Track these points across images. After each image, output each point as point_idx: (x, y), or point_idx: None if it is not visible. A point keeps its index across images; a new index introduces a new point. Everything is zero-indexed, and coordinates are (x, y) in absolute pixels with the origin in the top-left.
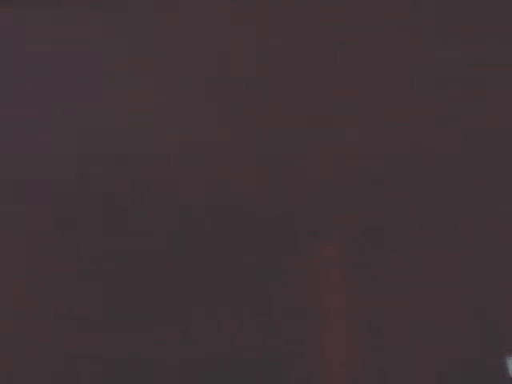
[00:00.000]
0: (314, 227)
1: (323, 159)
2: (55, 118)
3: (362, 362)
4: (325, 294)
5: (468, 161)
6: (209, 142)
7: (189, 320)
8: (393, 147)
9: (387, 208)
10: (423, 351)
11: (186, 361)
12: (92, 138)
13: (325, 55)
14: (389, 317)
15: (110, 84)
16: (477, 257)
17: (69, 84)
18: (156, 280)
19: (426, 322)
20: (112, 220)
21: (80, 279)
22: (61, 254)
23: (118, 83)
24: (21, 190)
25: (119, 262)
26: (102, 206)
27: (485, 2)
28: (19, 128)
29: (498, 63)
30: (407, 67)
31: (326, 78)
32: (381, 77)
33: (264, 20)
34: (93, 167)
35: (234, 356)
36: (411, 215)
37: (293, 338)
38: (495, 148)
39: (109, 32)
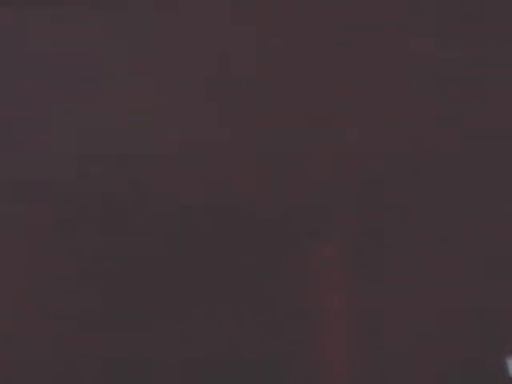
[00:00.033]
0: (313, 227)
1: (323, 159)
2: (55, 118)
3: (362, 362)
4: (325, 294)
5: (468, 161)
6: (209, 142)
7: (189, 320)
8: (393, 147)
9: (387, 208)
10: (423, 351)
11: (186, 361)
12: (92, 138)
13: (325, 55)
14: (389, 317)
15: (109, 84)
16: (477, 257)
17: (69, 84)
18: (156, 280)
19: (426, 321)
20: (112, 220)
21: (80, 279)
22: (61, 254)
23: (118, 83)
24: (21, 190)
25: (119, 262)
26: (101, 206)
27: (485, 2)
28: (19, 128)
29: (497, 63)
30: (407, 67)
31: (326, 78)
32: (381, 77)
33: (264, 20)
34: (93, 167)
35: (234, 356)
36: (411, 215)
37: (293, 338)
38: (495, 148)
39: (109, 32)
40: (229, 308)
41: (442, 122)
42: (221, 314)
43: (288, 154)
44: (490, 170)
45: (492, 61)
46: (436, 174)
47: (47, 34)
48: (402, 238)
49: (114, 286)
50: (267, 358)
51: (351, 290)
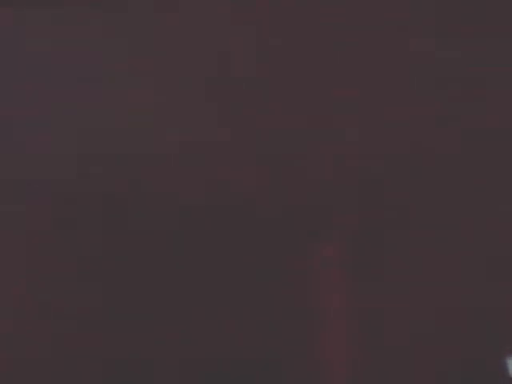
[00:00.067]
0: (313, 227)
1: (323, 159)
2: (55, 118)
3: (362, 362)
4: (325, 294)
5: (468, 161)
6: (209, 142)
7: (189, 320)
8: (393, 147)
9: (387, 208)
10: (423, 351)
11: (186, 361)
12: (92, 138)
13: (325, 55)
14: (389, 317)
15: (109, 84)
16: (477, 257)
17: (69, 84)
18: (156, 280)
19: (426, 321)
20: (112, 220)
21: (80, 279)
22: (61, 254)
23: (118, 83)
24: (21, 190)
25: (119, 262)
26: (101, 206)
27: (485, 2)
28: (19, 128)
29: (498, 63)
30: (407, 67)
31: (326, 78)
32: (381, 77)
33: (264, 20)
34: (93, 167)
35: (234, 356)
36: (411, 215)
37: (293, 338)
38: (495, 148)
39: (109, 32)
40: (229, 308)
41: (441, 121)
42: (221, 314)
43: (288, 154)
44: (490, 170)
45: (492, 61)
46: (436, 173)
47: (47, 34)
48: (402, 238)
49: (113, 286)
50: (267, 358)
51: (351, 290)
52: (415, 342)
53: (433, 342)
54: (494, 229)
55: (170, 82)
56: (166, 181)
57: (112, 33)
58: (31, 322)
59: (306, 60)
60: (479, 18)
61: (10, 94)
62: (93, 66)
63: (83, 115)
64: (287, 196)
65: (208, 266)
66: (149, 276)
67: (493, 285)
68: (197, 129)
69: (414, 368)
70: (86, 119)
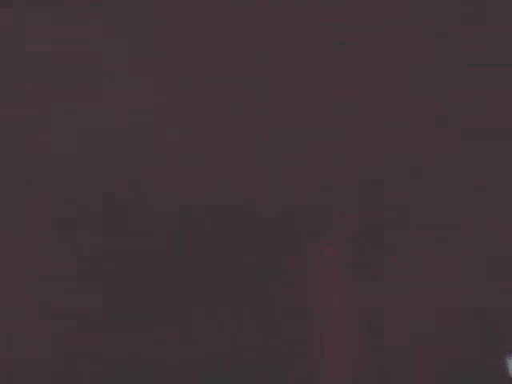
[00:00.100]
0: (313, 227)
1: (323, 159)
2: (55, 118)
3: (362, 362)
4: (325, 294)
5: (468, 161)
6: (209, 141)
7: (189, 320)
8: (393, 147)
9: (387, 208)
10: (423, 351)
11: (186, 361)
12: (92, 138)
13: (325, 55)
14: (389, 317)
15: (110, 84)
16: (477, 257)
17: (69, 84)
18: (156, 280)
19: (426, 321)
20: (112, 220)
21: (80, 279)
22: (61, 254)
23: (118, 83)
24: (21, 190)
25: (119, 262)
26: (101, 206)
27: (485, 2)
28: (19, 128)
29: (497, 63)
30: (407, 67)
31: (326, 78)
32: (381, 77)
33: (264, 20)
34: (93, 167)
35: (234, 356)
36: (411, 215)
37: (293, 338)
38: (495, 148)
39: (109, 32)
40: (229, 308)
41: (441, 121)
42: (221, 314)
43: (288, 154)
44: (490, 170)
45: (492, 61)
46: (436, 173)
47: (47, 34)
48: (402, 238)
49: (114, 286)
50: (267, 358)
51: (351, 290)
52: (415, 342)
53: (433, 341)
54: (494, 229)
55: (170, 82)
56: (166, 181)
57: (112, 33)
58: (31, 322)
59: (305, 60)
60: (479, 18)
61: (10, 94)
62: (93, 65)
63: (83, 115)
64: (287, 196)
65: (208, 266)
66: (149, 276)
67: (493, 285)
68: (197, 129)
69: (413, 368)
70: (85, 119)
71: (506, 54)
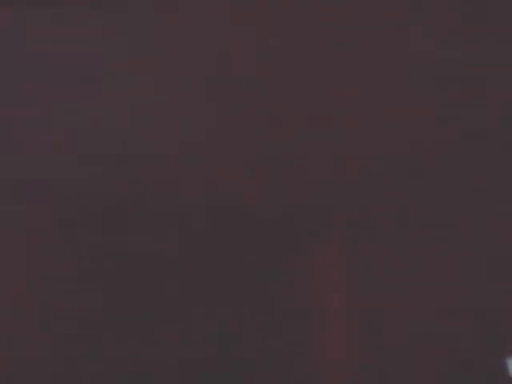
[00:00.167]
0: (313, 227)
1: (323, 159)
2: (55, 118)
3: (362, 362)
4: (325, 294)
5: (468, 161)
6: (209, 141)
7: (189, 320)
8: (393, 147)
9: (387, 208)
10: (423, 351)
11: (186, 361)
12: (92, 138)
13: (325, 55)
14: (389, 317)
15: (110, 84)
16: (477, 257)
17: (69, 84)
18: (156, 280)
19: (426, 321)
20: (112, 220)
21: (80, 279)
22: (61, 254)
23: (118, 83)
24: (21, 190)
25: (119, 262)
26: (102, 206)
27: (485, 2)
28: (19, 128)
29: (498, 63)
30: (407, 67)
31: (326, 77)
32: (381, 77)
33: (264, 20)
34: (93, 167)
35: (234, 356)
36: (411, 215)
37: (293, 338)
38: (495, 148)
39: (109, 32)
40: (229, 308)
41: (442, 121)
42: (221, 314)
43: (288, 154)
44: (490, 170)
45: (492, 61)
46: (436, 173)
47: (47, 34)
48: (402, 238)
49: (114, 286)
50: (267, 358)
51: (351, 290)
52: (415, 342)
53: (433, 342)
54: (494, 229)
55: (170, 82)
56: (166, 181)
57: (112, 33)
58: (31, 322)
59: (305, 60)
60: (479, 18)
61: (10, 94)
62: (93, 65)
63: (83, 115)
64: (287, 196)
65: (208, 266)
66: (149, 276)
67: (493, 285)
68: (197, 129)
69: (414, 368)
70: (86, 119)
71: (506, 54)
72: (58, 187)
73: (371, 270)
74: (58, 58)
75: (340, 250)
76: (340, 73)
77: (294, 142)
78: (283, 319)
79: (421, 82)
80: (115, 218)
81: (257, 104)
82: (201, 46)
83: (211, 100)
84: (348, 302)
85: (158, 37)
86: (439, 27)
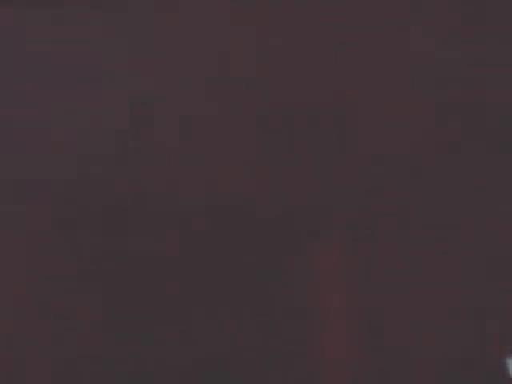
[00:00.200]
0: (313, 227)
1: (323, 159)
2: (55, 118)
3: (362, 362)
4: (325, 294)
5: (468, 161)
6: (209, 141)
7: (189, 320)
8: (393, 147)
9: (387, 208)
10: (423, 351)
11: (186, 361)
12: (92, 138)
13: (325, 55)
14: (389, 317)
15: (109, 84)
16: (477, 257)
17: (69, 84)
18: (156, 280)
19: (426, 321)
20: (112, 220)
21: (80, 279)
22: (61, 254)
23: (118, 83)
24: (21, 190)
25: (119, 262)
26: (102, 206)
27: (485, 2)
28: (19, 128)
29: (497, 63)
30: (407, 67)
31: (326, 78)
32: (381, 77)
33: (264, 20)
34: (93, 167)
35: (234, 356)
36: (411, 215)
37: (293, 338)
38: (495, 148)
39: (109, 32)
40: (229, 308)
41: (442, 121)
42: (221, 314)
43: (288, 154)
44: (490, 170)
45: (492, 61)
46: (436, 173)
47: (47, 34)
48: (402, 238)
49: (114, 286)
50: (267, 358)
51: (351, 290)
52: (415, 342)
53: (433, 341)
54: (494, 229)
55: (170, 82)
56: (166, 181)
57: (112, 33)
58: (31, 322)
59: (305, 60)
60: (479, 18)
61: (10, 93)
62: (93, 65)
63: (83, 115)
64: (287, 196)
65: (208, 266)
66: (149, 276)
67: (493, 285)
68: (197, 129)
69: (413, 368)
70: (86, 119)
71: (506, 54)
72: (57, 187)
73: (371, 270)
74: (58, 58)
75: (340, 250)
76: (340, 73)
77: (294, 142)
78: (283, 319)
79: (421, 82)
80: (115, 218)
81: (257, 104)
82: (201, 45)
83: (211, 100)
84: (348, 301)
85: (158, 37)
86: (439, 27)
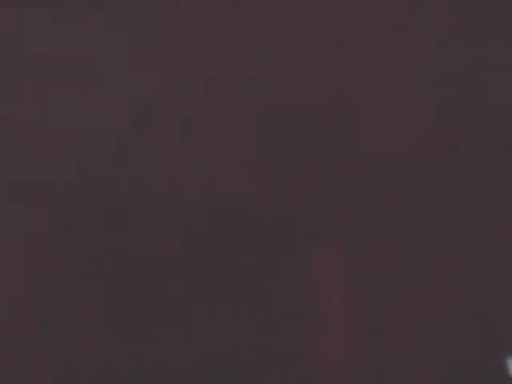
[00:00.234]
0: (313, 227)
1: (323, 159)
2: (55, 118)
3: (362, 362)
4: (325, 294)
5: (468, 161)
6: (209, 141)
7: (189, 320)
8: (393, 147)
9: (387, 208)
10: (423, 351)
11: (186, 361)
12: (92, 138)
13: (325, 55)
14: (389, 317)
15: (110, 84)
16: (477, 257)
17: (69, 84)
18: (156, 280)
19: (426, 321)
20: (112, 220)
21: (80, 279)
22: (61, 254)
23: (118, 83)
24: (21, 190)
25: (119, 262)
26: (102, 206)
27: (485, 2)
28: (19, 128)
29: (497, 63)
30: (407, 67)
31: (326, 78)
32: (381, 77)
33: (264, 20)
34: (93, 167)
35: (234, 356)
36: (411, 215)
37: (293, 338)
38: (495, 148)
39: (109, 32)
40: (229, 308)
41: (442, 121)
42: (221, 314)
43: (288, 154)
44: (490, 170)
45: (492, 61)
46: (436, 173)
47: (47, 34)
48: (402, 238)
49: (114, 286)
50: (267, 358)
51: (351, 290)
52: (415, 342)
53: (433, 341)
54: (494, 229)
55: (170, 82)
56: (166, 181)
57: (112, 33)
58: (31, 322)
59: (305, 60)
60: (479, 18)
61: (10, 93)
62: (93, 65)
63: (83, 115)
64: (287, 196)
65: (208, 266)
66: (149, 276)
67: (493, 285)
68: (197, 129)
69: (414, 368)
70: (86, 119)
71: (506, 54)
72: (57, 187)
73: (371, 270)
74: (58, 58)
75: (340, 250)
76: (340, 73)
77: (294, 142)
78: (283, 319)
79: (421, 82)
80: (115, 218)
81: (257, 104)
82: (201, 45)
83: (211, 100)
84: (348, 301)
85: (158, 37)
86: (439, 27)
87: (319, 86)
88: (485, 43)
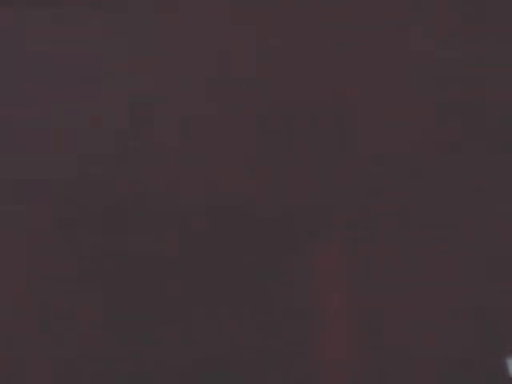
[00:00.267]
0: (313, 227)
1: (323, 159)
2: (55, 117)
3: (362, 362)
4: (325, 294)
5: (468, 161)
6: (209, 141)
7: (189, 320)
8: (393, 147)
9: (387, 208)
10: (423, 351)
11: (186, 361)
12: (92, 138)
13: (325, 55)
14: (389, 317)
15: (110, 84)
16: (477, 257)
17: (69, 84)
18: (156, 280)
19: (426, 321)
20: (112, 220)
21: (80, 279)
22: (61, 254)
23: (118, 83)
24: (21, 190)
25: (119, 262)
26: (102, 206)
27: (485, 2)
28: (19, 128)
29: (497, 63)
30: (407, 67)
31: (326, 78)
32: (381, 77)
33: (264, 20)
34: (93, 167)
35: (234, 356)
36: (411, 215)
37: (293, 338)
38: (495, 148)
39: (109, 32)
40: (229, 308)
41: (442, 121)
42: (221, 314)
43: (288, 154)
44: (490, 170)
45: (492, 61)
46: (436, 173)
47: (47, 34)
48: (402, 238)
49: (114, 286)
50: (267, 358)
51: (351, 290)
52: (415, 342)
53: (433, 341)
54: (494, 229)
55: (170, 82)
56: (166, 181)
57: (112, 33)
58: (31, 322)
59: (305, 60)
60: (479, 18)
61: (10, 93)
62: (93, 65)
63: (83, 115)
64: (287, 196)
65: (208, 266)
66: (149, 276)
67: (493, 285)
68: (197, 129)
69: (414, 368)
70: (86, 119)
71: (506, 54)
72: (57, 187)
73: (371, 270)
74: (58, 58)
75: (340, 249)
76: (340, 73)
77: (294, 142)
78: (283, 319)
79: (421, 82)
80: (115, 218)
81: (257, 104)
82: (201, 45)
83: (211, 100)
84: (348, 301)
85: (158, 37)
86: (439, 27)
87: (319, 86)
88: (485, 43)
